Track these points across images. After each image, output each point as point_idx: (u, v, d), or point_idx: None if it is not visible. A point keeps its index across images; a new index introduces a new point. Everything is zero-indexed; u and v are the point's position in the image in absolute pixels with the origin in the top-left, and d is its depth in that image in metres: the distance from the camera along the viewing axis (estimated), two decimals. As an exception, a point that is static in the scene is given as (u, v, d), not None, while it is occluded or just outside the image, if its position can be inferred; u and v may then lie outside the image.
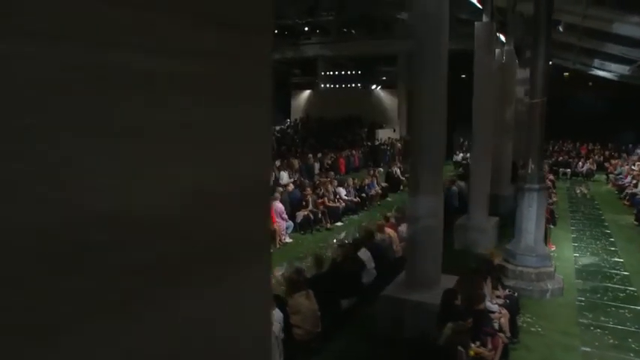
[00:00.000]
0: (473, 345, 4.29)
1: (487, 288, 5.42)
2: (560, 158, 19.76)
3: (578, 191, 15.62)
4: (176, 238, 0.51)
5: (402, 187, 14.81)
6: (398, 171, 15.40)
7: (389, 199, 13.42)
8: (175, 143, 0.50)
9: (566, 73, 22.19)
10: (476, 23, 9.12)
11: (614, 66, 16.82)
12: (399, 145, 22.88)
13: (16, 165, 0.38)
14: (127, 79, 0.45)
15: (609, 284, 7.27)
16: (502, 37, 12.98)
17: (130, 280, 0.46)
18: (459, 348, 3.74)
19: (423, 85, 5.54)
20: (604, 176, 17.88)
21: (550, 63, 7.70)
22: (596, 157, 20.31)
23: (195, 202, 0.53)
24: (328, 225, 10.35)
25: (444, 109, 5.65)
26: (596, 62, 17.52)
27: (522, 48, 16.23)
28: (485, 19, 9.13)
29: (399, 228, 8.37)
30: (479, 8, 11.15)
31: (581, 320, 6.01)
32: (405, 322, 5.31)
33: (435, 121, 5.55)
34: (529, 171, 7.07)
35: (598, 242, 9.58)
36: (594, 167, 18.60)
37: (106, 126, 0.44)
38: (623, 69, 16.38)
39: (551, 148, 21.25)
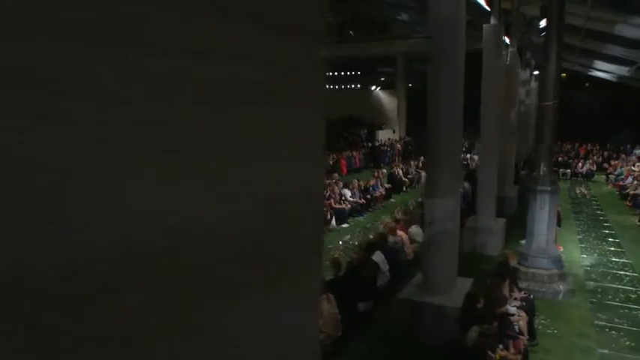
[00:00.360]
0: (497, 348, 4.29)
1: (505, 290, 5.41)
2: (560, 159, 19.86)
3: (578, 192, 15.71)
4: (246, 246, 0.51)
5: (404, 188, 14.85)
6: (400, 172, 15.41)
7: (392, 200, 13.42)
8: (239, 151, 0.50)
9: (564, 74, 22.33)
10: (484, 26, 9.11)
11: (613, 67, 16.95)
12: (399, 145, 22.95)
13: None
14: (187, 87, 0.44)
15: (620, 285, 7.30)
16: (506, 39, 13.01)
17: (195, 291, 0.46)
18: (489, 353, 3.73)
19: (440, 85, 5.53)
20: (603, 177, 18.00)
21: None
22: (595, 157, 20.44)
23: (262, 207, 0.53)
24: (330, 227, 10.31)
25: (460, 109, 5.65)
26: (596, 63, 17.64)
27: (524, 49, 16.33)
28: (493, 21, 9.13)
29: (409, 230, 8.36)
30: (480, 10, 11.18)
31: (595, 322, 6.03)
32: (423, 325, 5.29)
33: (453, 121, 5.54)
34: (540, 173, 7.09)
35: (604, 243, 9.62)
36: (594, 168, 18.71)
37: (172, 138, 0.43)
38: (623, 70, 16.51)
39: (550, 149, 21.36)
